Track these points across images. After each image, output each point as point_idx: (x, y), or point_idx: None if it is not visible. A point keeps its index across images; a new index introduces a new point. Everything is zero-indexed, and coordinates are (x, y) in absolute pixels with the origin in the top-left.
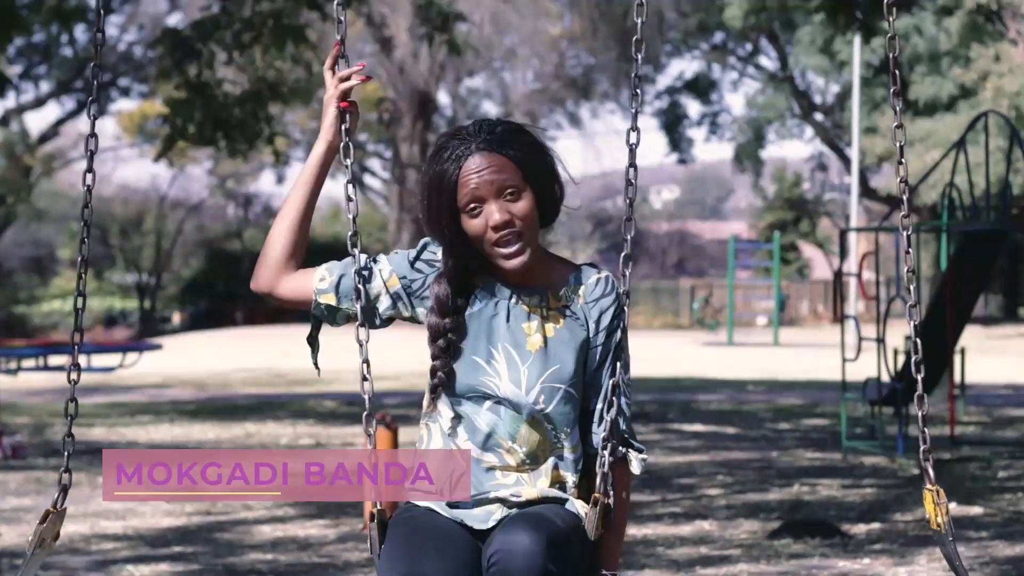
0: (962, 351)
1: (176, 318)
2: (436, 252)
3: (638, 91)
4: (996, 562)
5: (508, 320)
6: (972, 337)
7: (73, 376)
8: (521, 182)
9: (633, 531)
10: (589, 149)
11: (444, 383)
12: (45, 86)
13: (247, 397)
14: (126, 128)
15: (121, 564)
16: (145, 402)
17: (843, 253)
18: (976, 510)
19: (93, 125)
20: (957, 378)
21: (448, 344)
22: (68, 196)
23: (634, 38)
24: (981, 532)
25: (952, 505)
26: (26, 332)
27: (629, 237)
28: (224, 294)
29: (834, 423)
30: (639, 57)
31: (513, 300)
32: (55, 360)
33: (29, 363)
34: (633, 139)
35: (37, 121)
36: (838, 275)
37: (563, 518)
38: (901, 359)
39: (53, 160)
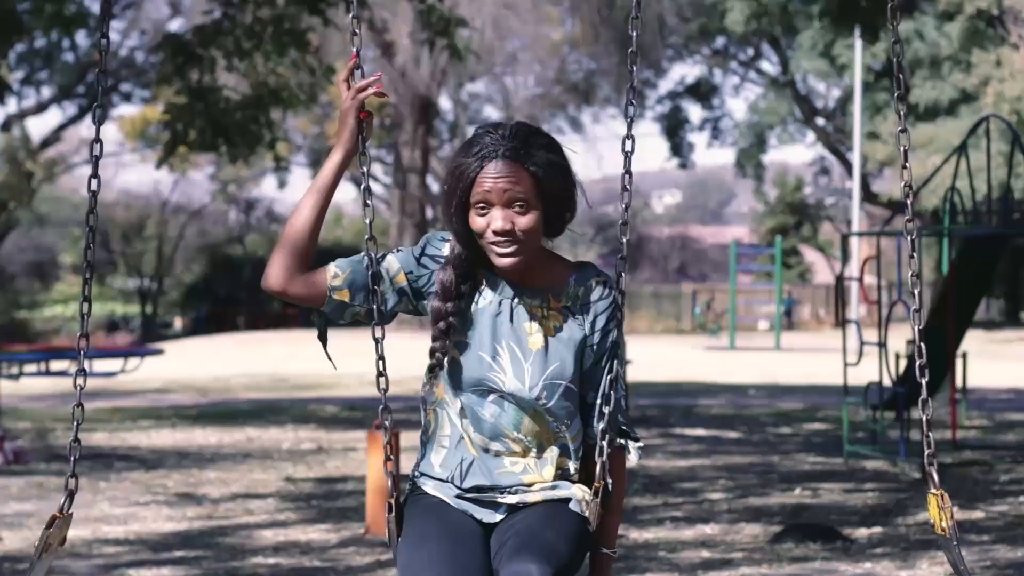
0: (964, 355)
1: (178, 323)
2: (439, 248)
3: (633, 102)
4: (998, 566)
5: (511, 319)
6: (974, 341)
7: (79, 381)
8: (533, 198)
9: (635, 535)
10: (591, 154)
11: (441, 363)
12: (47, 91)
13: (249, 402)
14: (128, 133)
15: (123, 569)
16: (147, 407)
17: (845, 257)
18: (978, 514)
19: (98, 131)
20: (959, 382)
21: (448, 327)
22: (70, 201)
23: (629, 51)
24: (983, 536)
25: (954, 509)
26: (28, 337)
27: (625, 240)
28: (226, 299)
29: (836, 427)
30: (634, 69)
31: (516, 300)
32: (57, 365)
33: (31, 368)
34: (628, 147)
35: (39, 126)
36: (840, 279)
37: (568, 535)
38: (903, 363)
39: (55, 165)
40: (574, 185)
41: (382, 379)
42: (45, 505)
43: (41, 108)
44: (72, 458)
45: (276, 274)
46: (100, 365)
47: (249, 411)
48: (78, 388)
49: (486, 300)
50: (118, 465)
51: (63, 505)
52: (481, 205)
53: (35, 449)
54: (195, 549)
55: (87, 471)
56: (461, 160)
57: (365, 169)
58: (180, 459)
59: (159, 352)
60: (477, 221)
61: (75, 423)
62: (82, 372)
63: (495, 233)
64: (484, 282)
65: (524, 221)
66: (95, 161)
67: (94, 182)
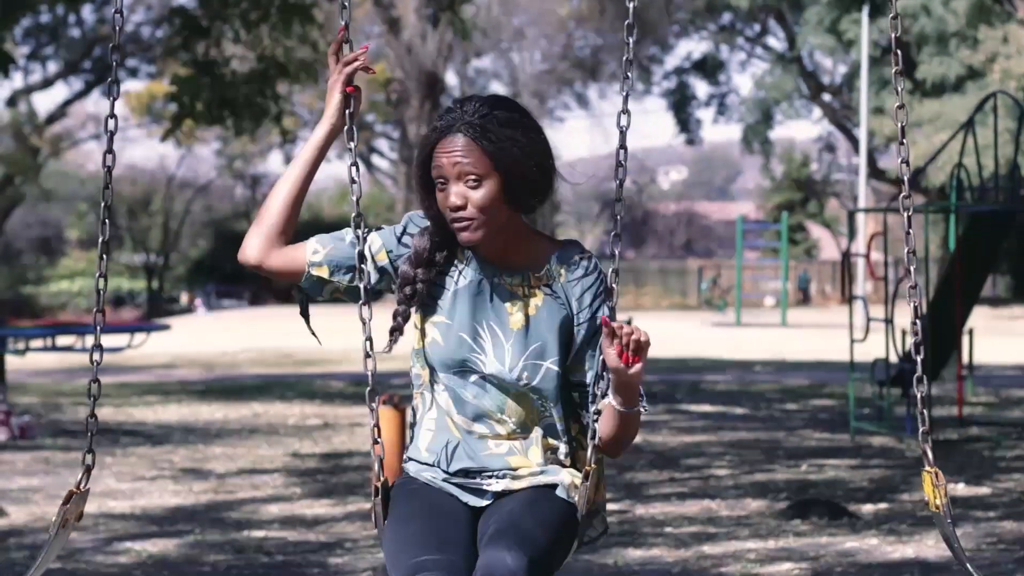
0: (970, 332)
1: (184, 298)
2: (420, 227)
3: (629, 75)
4: (1004, 541)
5: (492, 299)
6: (980, 318)
7: (96, 357)
8: (487, 171)
9: (640, 510)
10: (597, 130)
11: (400, 328)
12: (53, 67)
13: (255, 377)
14: (134, 108)
15: (128, 543)
16: (153, 382)
17: (851, 234)
18: (984, 490)
19: (112, 105)
20: (965, 359)
21: (413, 292)
22: (76, 177)
23: (626, 22)
24: (989, 512)
25: (960, 485)
26: (34, 312)
27: (619, 217)
28: (232, 275)
29: (842, 404)
30: (631, 41)
31: (496, 279)
32: (63, 340)
33: (37, 343)
34: (624, 122)
35: (45, 102)
36: (846, 256)
37: (550, 524)
38: (910, 340)
39: (61, 141)
40: (543, 162)
41: (369, 360)
42: (51, 480)
43: (47, 83)
44: (90, 433)
45: (253, 246)
46: (107, 340)
47: (255, 386)
48: (94, 364)
49: (466, 279)
50: (124, 440)
51: (80, 480)
52: (440, 180)
53: (41, 424)
54: (201, 524)
55: (93, 446)
56: (427, 134)
57: (352, 145)
58: (186, 434)
59: (165, 327)
60: (439, 197)
61: (92, 399)
62: (98, 347)
63: (450, 209)
64: (465, 261)
65: (477, 196)
66: (110, 136)
67: (109, 158)
